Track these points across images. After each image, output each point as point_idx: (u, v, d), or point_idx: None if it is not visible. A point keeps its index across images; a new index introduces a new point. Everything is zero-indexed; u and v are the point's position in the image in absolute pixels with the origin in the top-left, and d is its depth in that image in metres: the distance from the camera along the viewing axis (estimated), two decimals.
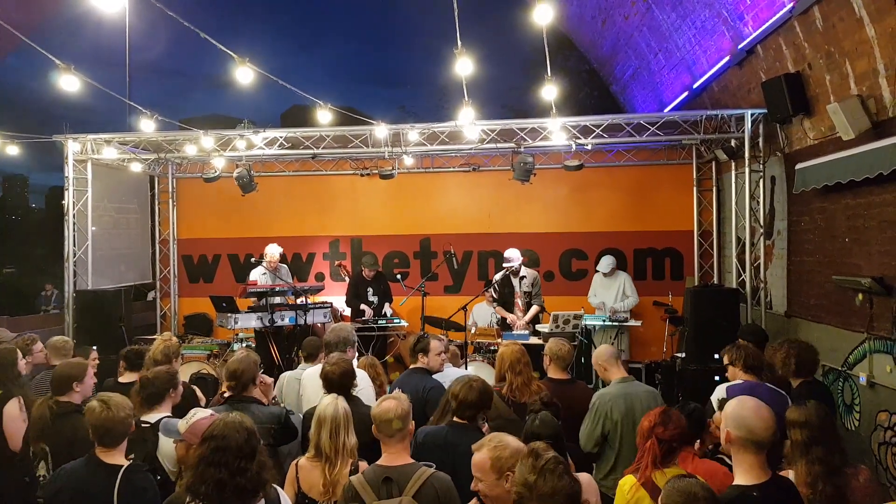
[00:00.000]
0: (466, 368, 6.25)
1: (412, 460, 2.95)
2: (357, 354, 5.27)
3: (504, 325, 7.92)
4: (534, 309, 7.85)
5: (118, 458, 3.02)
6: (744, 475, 2.54)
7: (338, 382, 3.80)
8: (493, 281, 8.05)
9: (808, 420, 2.97)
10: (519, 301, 7.89)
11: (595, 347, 8.05)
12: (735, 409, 2.59)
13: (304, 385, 4.67)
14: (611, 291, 8.66)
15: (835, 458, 2.91)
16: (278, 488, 2.66)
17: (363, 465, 3.18)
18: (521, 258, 7.91)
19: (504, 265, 7.86)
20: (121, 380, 4.84)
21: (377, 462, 2.97)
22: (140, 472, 3.03)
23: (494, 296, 8.06)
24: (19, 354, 4.48)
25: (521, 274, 7.88)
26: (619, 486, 3.01)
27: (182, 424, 2.98)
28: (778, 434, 2.62)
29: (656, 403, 3.87)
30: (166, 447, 3.45)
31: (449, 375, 4.52)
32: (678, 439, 3.00)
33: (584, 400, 4.20)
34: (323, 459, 3.15)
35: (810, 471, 2.87)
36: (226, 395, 3.96)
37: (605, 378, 4.36)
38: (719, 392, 4.15)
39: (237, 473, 2.39)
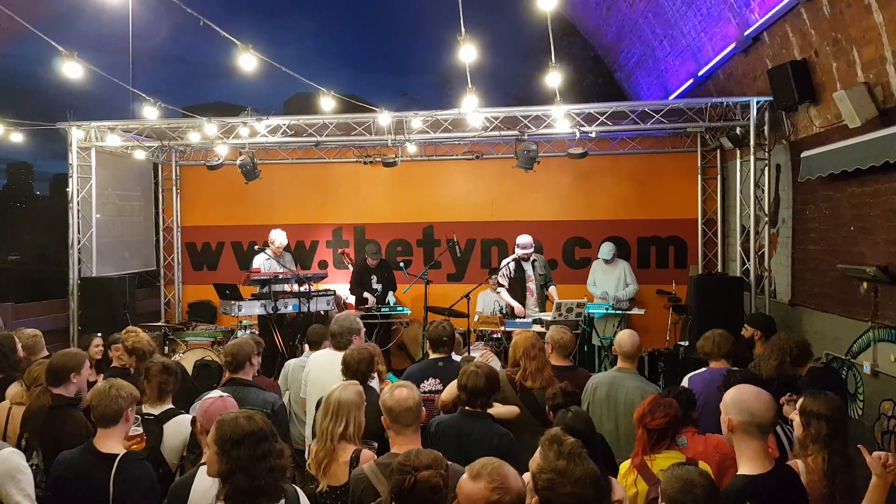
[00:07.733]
0: None
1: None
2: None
3: (511, 314, 7.77)
4: (554, 289, 7.93)
5: (115, 446, 3.02)
6: (748, 464, 2.49)
7: (355, 368, 3.92)
8: (503, 266, 7.91)
9: (833, 413, 2.92)
10: (531, 286, 7.82)
11: (598, 335, 8.10)
12: (733, 396, 2.58)
13: (309, 370, 4.68)
14: (611, 279, 8.62)
15: (850, 450, 2.88)
16: (297, 488, 2.65)
17: (367, 452, 3.18)
18: (534, 244, 7.83)
19: (520, 252, 7.71)
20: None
21: (390, 452, 2.95)
22: (136, 460, 3.03)
23: (502, 282, 7.89)
24: (17, 341, 4.47)
25: (533, 258, 7.84)
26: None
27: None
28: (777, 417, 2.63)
29: (641, 399, 3.79)
30: (170, 441, 3.47)
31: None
32: (667, 427, 3.11)
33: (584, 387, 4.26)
34: (324, 443, 3.16)
35: (830, 463, 2.82)
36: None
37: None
38: (683, 384, 4.20)
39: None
